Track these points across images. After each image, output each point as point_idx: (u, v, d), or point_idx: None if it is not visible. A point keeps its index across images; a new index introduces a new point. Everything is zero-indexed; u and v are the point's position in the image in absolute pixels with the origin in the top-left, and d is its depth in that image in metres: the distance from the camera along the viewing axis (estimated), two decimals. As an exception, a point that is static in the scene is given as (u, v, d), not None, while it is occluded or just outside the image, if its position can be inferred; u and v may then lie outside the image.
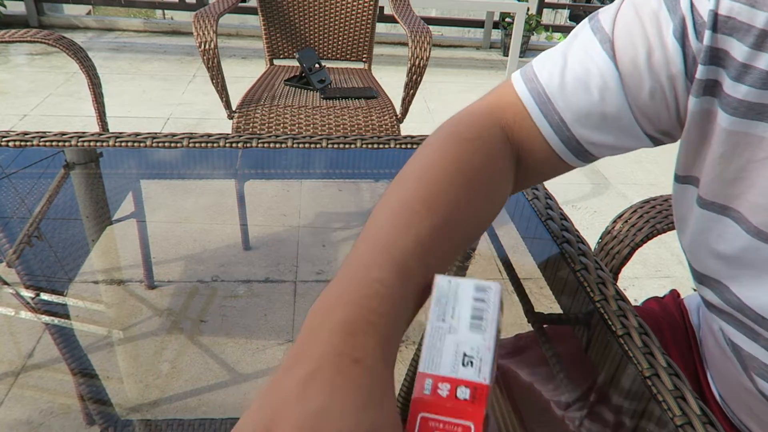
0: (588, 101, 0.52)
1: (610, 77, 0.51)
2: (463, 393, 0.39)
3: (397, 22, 2.15)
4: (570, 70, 0.53)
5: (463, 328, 0.42)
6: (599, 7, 0.55)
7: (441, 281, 0.43)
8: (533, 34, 4.49)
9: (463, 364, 0.40)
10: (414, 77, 1.82)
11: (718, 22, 0.47)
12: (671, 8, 0.49)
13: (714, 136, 0.50)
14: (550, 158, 0.56)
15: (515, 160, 0.56)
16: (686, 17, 0.48)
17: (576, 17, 5.36)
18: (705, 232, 0.54)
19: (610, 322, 0.59)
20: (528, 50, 4.44)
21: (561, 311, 0.67)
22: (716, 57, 0.48)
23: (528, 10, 4.16)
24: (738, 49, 0.47)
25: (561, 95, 0.53)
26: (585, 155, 0.56)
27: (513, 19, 3.91)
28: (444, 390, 0.39)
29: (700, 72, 0.48)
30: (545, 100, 0.54)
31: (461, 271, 0.78)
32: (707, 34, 0.47)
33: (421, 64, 1.80)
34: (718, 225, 0.53)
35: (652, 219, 0.90)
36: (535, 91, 0.54)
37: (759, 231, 0.50)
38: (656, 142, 0.55)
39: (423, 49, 1.80)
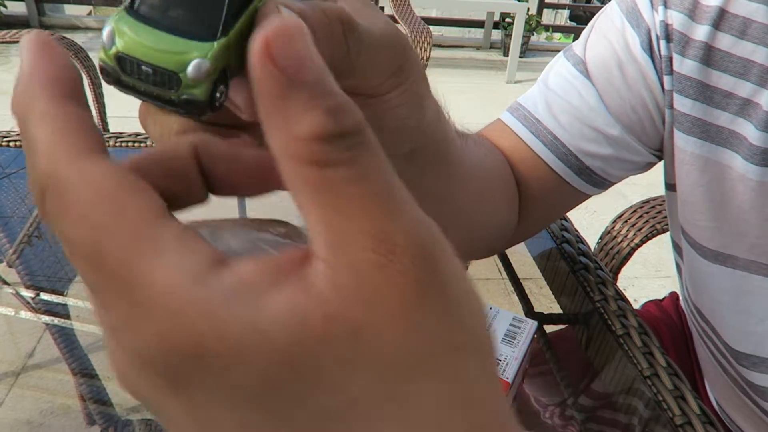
0: (575, 116, 0.51)
1: (588, 95, 0.50)
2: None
3: (397, 22, 2.15)
4: (552, 92, 0.52)
5: (495, 340, 0.44)
6: (599, 8, 0.55)
7: None
8: (533, 35, 4.49)
9: None
10: (414, 77, 1.82)
11: (669, 33, 0.47)
12: (634, 23, 0.49)
13: (673, 154, 0.51)
14: (553, 182, 0.53)
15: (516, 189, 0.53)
16: (651, 29, 0.48)
17: (576, 17, 5.37)
18: (688, 263, 0.55)
19: (609, 322, 0.59)
20: (528, 50, 4.44)
21: (561, 311, 0.67)
22: (670, 68, 0.48)
23: (528, 10, 4.16)
24: (680, 62, 0.47)
25: (548, 115, 0.52)
26: (589, 175, 0.52)
27: (513, 20, 3.91)
28: None
29: (666, 82, 0.48)
30: (534, 121, 0.52)
31: (461, 271, 0.78)
32: (663, 44, 0.47)
33: (422, 65, 1.80)
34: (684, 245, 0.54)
35: (652, 219, 0.90)
36: (523, 117, 0.53)
37: (716, 254, 0.50)
38: (654, 154, 0.53)
39: (423, 49, 1.81)
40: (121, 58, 0.17)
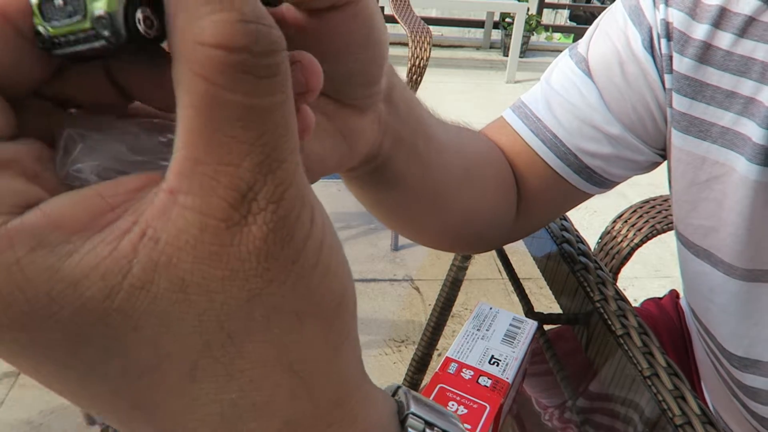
0: (575, 114, 0.51)
1: (589, 93, 0.50)
2: (485, 381, 0.41)
3: (397, 22, 2.15)
4: (553, 91, 0.52)
5: (495, 340, 0.45)
6: (599, 8, 0.55)
7: (483, 306, 0.47)
8: (533, 35, 4.48)
9: (490, 362, 0.43)
10: (414, 77, 1.82)
11: (669, 32, 0.47)
12: (636, 21, 0.49)
13: (671, 152, 0.50)
14: (552, 180, 0.53)
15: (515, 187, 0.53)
16: (653, 27, 0.48)
17: (576, 17, 5.36)
18: (682, 261, 0.55)
19: (609, 322, 0.59)
20: (528, 50, 4.44)
21: (561, 311, 0.67)
22: (671, 67, 0.48)
23: (528, 10, 4.16)
24: (679, 61, 0.47)
25: (549, 113, 0.52)
26: (589, 174, 0.52)
27: (513, 20, 3.91)
28: (467, 374, 0.41)
29: (667, 81, 0.48)
30: (534, 120, 0.52)
31: (461, 272, 0.78)
32: (663, 43, 0.47)
33: (422, 64, 1.80)
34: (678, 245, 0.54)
35: (652, 219, 0.90)
36: (524, 115, 0.53)
37: (709, 254, 0.50)
38: (657, 153, 0.53)
39: (423, 49, 1.81)
40: (41, 4, 0.16)
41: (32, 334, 0.14)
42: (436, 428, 0.20)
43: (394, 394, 0.22)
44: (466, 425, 0.38)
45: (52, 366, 0.15)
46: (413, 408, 0.20)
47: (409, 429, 0.19)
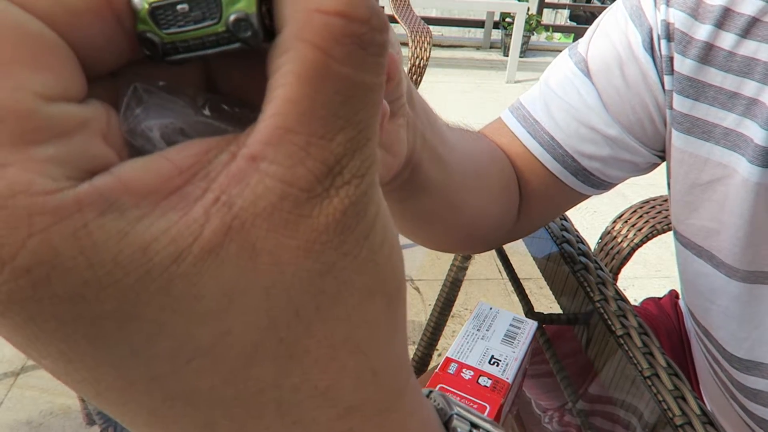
0: (573, 116, 0.51)
1: (588, 94, 0.50)
2: (485, 381, 0.41)
3: (397, 22, 2.15)
4: (552, 92, 0.52)
5: (495, 340, 0.45)
6: (599, 8, 0.55)
7: (483, 306, 0.47)
8: (533, 35, 4.48)
9: (490, 363, 0.43)
10: (414, 77, 1.82)
11: (670, 32, 0.47)
12: (636, 21, 0.49)
13: (670, 153, 0.50)
14: (549, 182, 0.53)
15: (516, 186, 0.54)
16: (653, 28, 0.48)
17: (576, 17, 5.36)
18: (681, 262, 0.55)
19: (609, 322, 0.59)
20: (528, 50, 4.44)
21: (561, 311, 0.67)
22: (671, 68, 0.47)
23: (528, 10, 4.16)
24: (681, 62, 0.46)
25: (546, 115, 0.52)
26: (586, 176, 0.52)
27: (513, 19, 3.91)
28: (467, 374, 0.41)
29: (667, 82, 0.48)
30: (532, 122, 0.52)
31: (461, 272, 0.78)
32: (663, 44, 0.47)
33: (422, 64, 1.80)
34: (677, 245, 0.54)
35: (652, 219, 0.90)
36: (522, 117, 0.53)
37: (711, 255, 0.50)
38: (656, 154, 0.53)
39: (423, 49, 1.81)
40: (154, 11, 0.14)
41: (82, 308, 0.13)
42: (481, 429, 0.20)
43: (429, 395, 0.21)
44: None
45: (88, 347, 0.13)
46: (456, 409, 0.20)
47: (458, 429, 0.19)
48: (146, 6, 0.14)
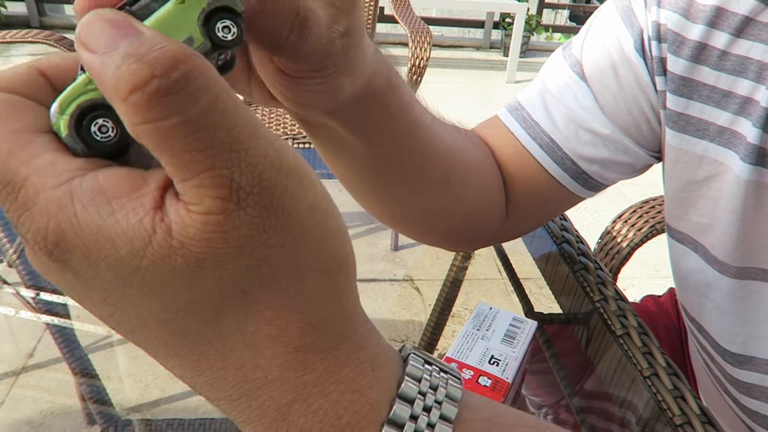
0: (572, 119, 0.51)
1: (584, 97, 0.50)
2: (485, 381, 0.41)
3: (397, 23, 2.15)
4: (549, 94, 0.52)
5: (495, 340, 0.45)
6: (599, 8, 0.55)
7: (483, 306, 0.47)
8: (533, 35, 4.48)
9: (489, 362, 0.43)
10: (414, 77, 1.82)
11: (660, 33, 0.47)
12: (628, 23, 0.49)
13: (665, 152, 0.50)
14: (547, 184, 0.52)
15: (503, 186, 0.53)
16: (644, 29, 0.48)
17: (576, 17, 5.36)
18: (674, 259, 0.55)
19: (609, 322, 0.59)
20: (528, 50, 4.44)
21: (561, 311, 0.67)
22: (663, 68, 0.48)
23: (528, 10, 4.16)
24: (674, 62, 0.46)
25: (546, 117, 0.52)
26: (585, 179, 0.52)
27: (513, 20, 3.91)
28: (467, 374, 0.41)
29: (659, 83, 0.48)
30: (532, 123, 0.52)
31: (461, 272, 0.78)
32: (654, 45, 0.47)
33: (422, 65, 1.80)
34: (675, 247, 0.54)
35: (651, 219, 0.90)
36: (521, 118, 0.53)
37: (705, 251, 0.50)
38: (652, 155, 0.53)
39: (423, 50, 1.81)
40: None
41: (94, 272, 0.18)
42: (433, 365, 0.23)
43: (401, 349, 0.25)
44: None
45: (107, 298, 0.19)
46: (413, 350, 0.24)
47: (411, 363, 0.23)
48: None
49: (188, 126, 0.17)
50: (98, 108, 0.19)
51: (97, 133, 0.19)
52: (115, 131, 0.19)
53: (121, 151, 0.20)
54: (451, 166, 0.45)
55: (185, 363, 0.20)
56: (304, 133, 0.37)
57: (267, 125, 1.94)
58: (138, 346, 0.21)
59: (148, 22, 0.20)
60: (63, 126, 0.19)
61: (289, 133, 1.80)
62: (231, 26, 0.21)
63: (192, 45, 0.21)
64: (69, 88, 0.19)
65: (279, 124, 1.80)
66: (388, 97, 0.35)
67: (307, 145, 0.95)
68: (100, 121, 0.19)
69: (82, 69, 0.19)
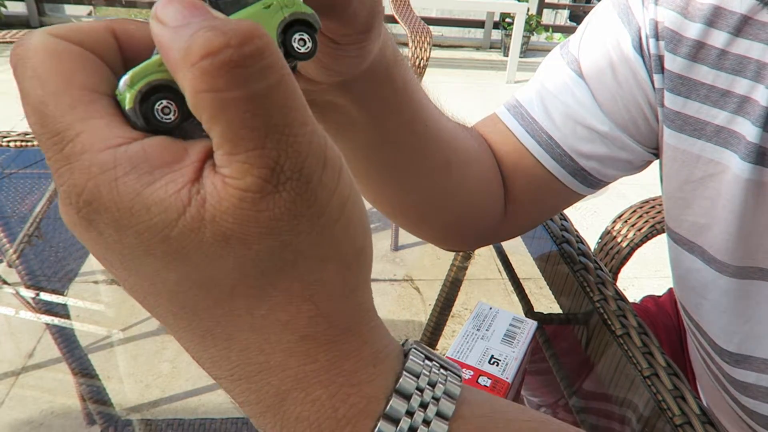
0: (570, 116, 0.51)
1: (582, 95, 0.50)
2: (485, 381, 0.41)
3: (397, 23, 2.15)
4: (547, 91, 0.52)
5: (495, 339, 0.45)
6: (596, 6, 0.55)
7: (482, 306, 0.47)
8: (533, 35, 4.49)
9: (489, 362, 0.43)
10: (414, 77, 1.82)
11: (658, 31, 0.47)
12: (625, 21, 0.49)
13: (663, 150, 0.50)
14: (546, 181, 0.52)
15: (502, 181, 0.53)
16: (642, 27, 0.48)
17: (576, 17, 5.36)
18: (673, 258, 0.55)
19: (609, 322, 0.59)
20: (528, 50, 4.44)
21: (560, 311, 0.67)
22: (661, 66, 0.48)
23: (528, 10, 4.16)
24: (671, 60, 0.46)
25: (544, 114, 0.52)
26: (584, 176, 0.52)
27: (513, 20, 3.91)
28: (467, 374, 0.41)
29: (657, 81, 0.48)
30: (530, 121, 0.52)
31: (461, 272, 0.78)
32: (652, 43, 0.47)
33: (422, 65, 1.80)
34: (674, 248, 0.54)
35: (651, 219, 0.90)
36: (519, 115, 0.53)
37: (703, 251, 0.50)
38: (651, 152, 0.53)
39: (423, 50, 1.81)
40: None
41: (119, 236, 0.18)
42: (434, 361, 0.24)
43: (404, 343, 0.25)
44: None
45: (128, 263, 0.19)
46: (415, 345, 0.24)
47: (411, 358, 0.23)
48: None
49: (250, 102, 0.17)
50: (166, 90, 0.19)
51: (160, 113, 0.19)
52: (176, 114, 0.20)
53: (170, 132, 0.20)
54: (452, 152, 0.45)
55: (191, 336, 0.21)
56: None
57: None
58: (150, 313, 0.21)
59: (231, 16, 0.21)
60: (129, 99, 0.19)
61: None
62: (306, 39, 0.22)
63: None
64: (143, 64, 0.19)
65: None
66: (395, 70, 0.36)
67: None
68: (164, 102, 0.19)
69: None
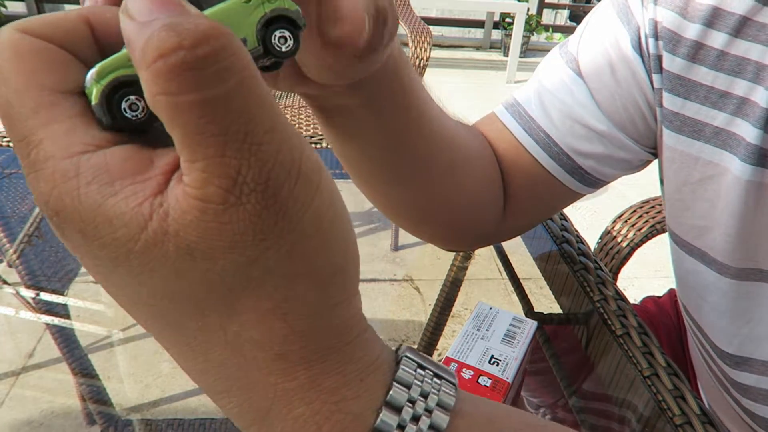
0: (568, 114, 0.51)
1: (581, 93, 0.50)
2: (485, 381, 0.41)
3: (396, 22, 2.15)
4: (546, 90, 0.52)
5: (495, 339, 0.45)
6: (595, 6, 0.55)
7: (482, 306, 0.47)
8: (533, 35, 4.48)
9: (489, 362, 0.43)
10: (414, 77, 1.82)
11: (657, 31, 0.47)
12: (624, 20, 0.49)
13: (662, 152, 0.50)
14: (544, 180, 0.52)
15: (501, 180, 0.53)
16: (641, 27, 0.48)
17: (576, 17, 5.36)
18: (674, 259, 0.55)
19: (609, 322, 0.59)
20: (528, 50, 4.44)
21: (561, 311, 0.67)
22: (659, 66, 0.48)
23: (528, 10, 4.16)
24: (670, 60, 0.46)
25: (542, 113, 0.52)
26: (582, 174, 0.52)
27: (513, 20, 3.91)
28: (467, 374, 0.41)
29: (656, 81, 0.48)
30: (528, 119, 0.52)
31: (461, 272, 0.78)
32: (651, 43, 0.47)
33: (422, 65, 1.80)
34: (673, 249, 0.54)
35: (651, 219, 0.90)
36: (517, 114, 0.53)
37: (702, 253, 0.50)
38: (649, 151, 0.53)
39: (423, 50, 1.81)
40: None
41: (87, 245, 0.18)
42: (427, 369, 0.22)
43: (398, 349, 0.24)
44: None
45: (104, 271, 0.19)
46: (408, 352, 0.23)
47: (402, 368, 0.22)
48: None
49: (205, 106, 0.16)
50: (134, 84, 0.18)
51: (127, 109, 0.19)
52: (144, 111, 0.19)
53: (143, 130, 0.20)
54: (455, 151, 0.45)
55: (172, 347, 0.20)
56: (318, 132, 0.37)
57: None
58: (135, 321, 0.21)
59: (207, 11, 0.20)
60: (95, 94, 0.18)
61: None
62: (288, 37, 0.21)
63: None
64: (111, 58, 0.19)
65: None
66: (401, 69, 0.35)
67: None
68: (132, 98, 0.19)
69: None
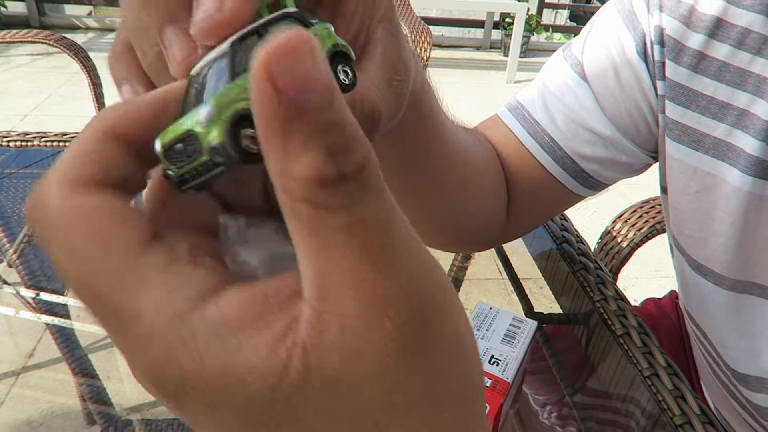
0: (572, 118, 0.51)
1: (585, 97, 0.50)
2: (485, 381, 0.41)
3: (397, 23, 2.15)
4: (550, 93, 0.52)
5: (495, 340, 0.45)
6: (599, 8, 0.55)
7: (483, 306, 0.47)
8: (533, 35, 4.48)
9: (490, 362, 0.43)
10: (414, 77, 1.82)
11: (663, 38, 0.47)
12: (630, 26, 0.49)
13: (663, 159, 0.50)
14: (547, 183, 0.53)
15: (504, 183, 0.53)
16: (646, 33, 0.48)
17: (576, 17, 5.36)
18: (676, 266, 0.55)
19: (609, 322, 0.59)
20: (528, 50, 4.44)
21: (561, 311, 0.67)
22: (663, 73, 0.47)
23: (528, 10, 4.16)
24: (673, 69, 0.46)
25: (546, 116, 0.52)
26: (585, 178, 0.52)
27: (513, 20, 3.91)
28: None
29: (660, 87, 0.48)
30: (532, 122, 0.52)
31: (461, 272, 0.78)
32: (657, 49, 0.47)
33: (422, 65, 1.80)
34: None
35: (652, 219, 0.90)
36: (521, 117, 0.53)
37: (698, 264, 0.50)
38: (650, 155, 0.53)
39: (423, 50, 1.81)
40: (165, 153, 0.18)
41: (213, 414, 0.16)
42: None
43: None
44: None
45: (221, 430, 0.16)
46: None
47: None
48: (160, 149, 0.18)
49: (351, 227, 0.15)
50: (248, 118, 0.17)
51: (251, 146, 0.17)
52: (254, 139, 0.17)
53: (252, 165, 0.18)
54: (467, 165, 0.45)
55: None
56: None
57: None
58: None
59: None
60: (217, 133, 0.17)
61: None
62: (348, 71, 0.21)
63: None
64: (223, 91, 0.17)
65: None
66: (421, 97, 0.35)
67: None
68: (250, 131, 0.17)
69: (232, 77, 0.18)
